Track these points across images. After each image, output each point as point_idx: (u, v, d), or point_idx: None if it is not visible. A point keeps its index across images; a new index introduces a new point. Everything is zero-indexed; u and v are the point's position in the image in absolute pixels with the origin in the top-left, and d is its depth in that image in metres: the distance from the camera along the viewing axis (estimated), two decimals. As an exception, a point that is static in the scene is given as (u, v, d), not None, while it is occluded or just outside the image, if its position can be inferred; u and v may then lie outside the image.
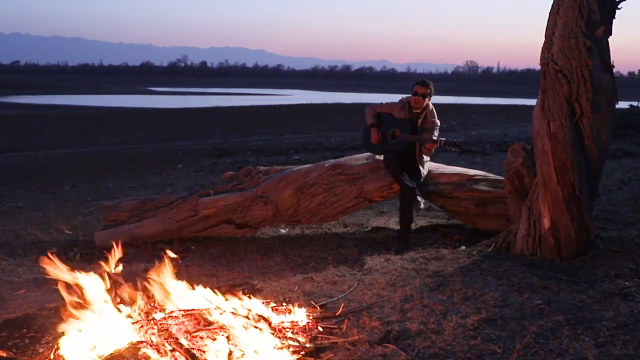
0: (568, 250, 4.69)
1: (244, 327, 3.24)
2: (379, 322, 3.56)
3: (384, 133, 5.66)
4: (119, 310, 3.39)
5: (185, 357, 2.92)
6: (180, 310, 3.38)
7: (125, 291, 3.48)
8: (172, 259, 3.66)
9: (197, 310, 3.37)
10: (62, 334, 3.11)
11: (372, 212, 6.97)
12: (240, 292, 3.88)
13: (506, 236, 5.09)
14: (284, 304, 3.89)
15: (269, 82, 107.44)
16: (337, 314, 3.75)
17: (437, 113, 5.67)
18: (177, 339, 3.04)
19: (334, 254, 5.25)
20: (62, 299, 3.26)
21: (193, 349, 2.98)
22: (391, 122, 5.67)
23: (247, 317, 3.41)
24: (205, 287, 3.66)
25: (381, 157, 5.67)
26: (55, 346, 3.10)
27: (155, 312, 3.36)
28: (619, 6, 4.71)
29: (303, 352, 3.17)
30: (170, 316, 3.29)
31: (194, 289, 3.63)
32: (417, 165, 5.54)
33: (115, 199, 7.35)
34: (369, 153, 5.86)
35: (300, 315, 3.66)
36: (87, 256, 5.42)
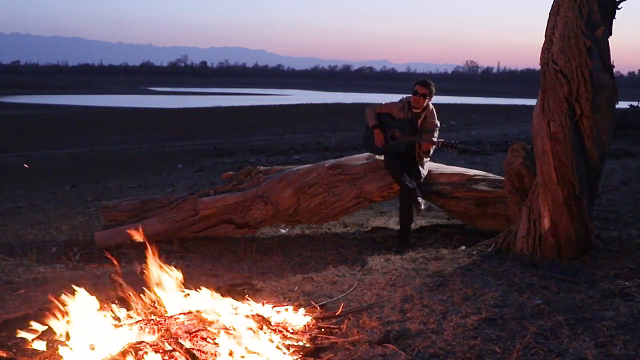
0: (568, 250, 4.69)
1: (244, 327, 3.24)
2: (379, 322, 3.56)
3: (384, 134, 5.66)
4: (120, 310, 3.40)
5: (185, 357, 2.92)
6: (180, 312, 3.38)
7: (126, 291, 3.48)
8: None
9: (197, 310, 3.37)
10: (62, 334, 3.11)
11: (372, 212, 6.97)
12: (241, 292, 3.88)
13: (506, 236, 5.09)
14: (284, 304, 3.89)
15: (269, 82, 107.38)
16: (337, 314, 3.75)
17: (437, 113, 5.67)
18: (177, 339, 3.04)
19: (334, 254, 5.25)
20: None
21: (193, 349, 2.98)
22: (391, 123, 5.67)
23: (247, 317, 3.41)
24: (205, 288, 3.66)
25: (381, 158, 5.68)
26: (55, 347, 3.09)
27: (156, 312, 3.36)
28: (619, 6, 4.71)
29: (303, 352, 3.17)
30: (171, 316, 3.29)
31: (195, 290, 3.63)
32: (417, 165, 5.54)
33: (115, 199, 7.35)
34: (369, 153, 5.86)
35: (300, 315, 3.67)
36: (87, 256, 5.43)
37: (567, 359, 3.02)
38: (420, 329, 3.41)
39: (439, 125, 5.64)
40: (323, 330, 3.49)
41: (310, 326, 3.54)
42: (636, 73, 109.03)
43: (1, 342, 3.33)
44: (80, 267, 5.15)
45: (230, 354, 3.00)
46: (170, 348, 2.96)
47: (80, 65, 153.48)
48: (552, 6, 4.71)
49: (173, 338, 3.04)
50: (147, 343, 3.01)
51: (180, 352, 2.93)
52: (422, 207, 5.44)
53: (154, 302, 3.45)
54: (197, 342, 3.06)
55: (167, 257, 5.29)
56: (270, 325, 3.39)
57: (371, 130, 5.71)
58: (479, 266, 4.59)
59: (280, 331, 3.36)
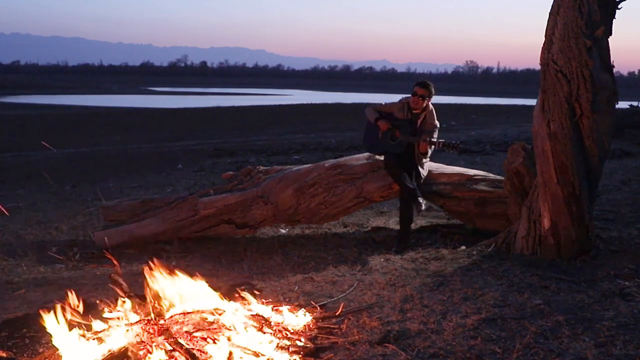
0: (568, 250, 4.69)
1: (244, 327, 3.24)
2: (379, 322, 3.56)
3: (388, 130, 5.62)
4: (119, 311, 3.39)
5: (185, 357, 2.92)
6: (180, 312, 3.38)
7: (126, 291, 3.48)
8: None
9: (197, 310, 3.37)
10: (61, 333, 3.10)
11: (372, 212, 6.97)
12: (241, 292, 3.88)
13: (506, 236, 5.09)
14: (284, 304, 3.89)
15: (269, 82, 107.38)
16: (337, 314, 3.75)
17: (437, 113, 5.67)
18: (177, 339, 3.04)
19: (334, 254, 5.25)
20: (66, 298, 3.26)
21: (193, 349, 2.98)
22: (391, 123, 5.67)
23: (247, 317, 3.40)
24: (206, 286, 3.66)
25: (381, 158, 5.68)
26: (54, 346, 3.09)
27: (156, 312, 3.36)
28: (619, 6, 4.71)
29: (303, 352, 3.17)
30: (171, 316, 3.29)
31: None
32: (416, 166, 5.54)
33: (115, 199, 7.35)
34: (369, 153, 5.86)
35: (300, 315, 3.67)
36: (87, 256, 5.43)
37: (567, 359, 3.02)
38: (420, 329, 3.41)
39: (438, 125, 5.64)
40: (323, 330, 3.49)
41: (310, 326, 3.54)
42: (636, 73, 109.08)
43: (1, 342, 3.33)
44: (80, 267, 5.15)
45: (230, 354, 3.00)
46: (170, 348, 2.96)
47: (80, 65, 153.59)
48: (552, 6, 4.70)
49: (173, 338, 3.04)
50: (147, 343, 3.01)
51: (180, 352, 2.94)
52: (422, 207, 5.44)
53: (154, 302, 3.45)
54: (197, 342, 3.06)
55: (167, 257, 5.30)
56: (270, 325, 3.39)
57: (373, 126, 5.69)
58: (479, 266, 4.59)
59: (280, 331, 3.36)
